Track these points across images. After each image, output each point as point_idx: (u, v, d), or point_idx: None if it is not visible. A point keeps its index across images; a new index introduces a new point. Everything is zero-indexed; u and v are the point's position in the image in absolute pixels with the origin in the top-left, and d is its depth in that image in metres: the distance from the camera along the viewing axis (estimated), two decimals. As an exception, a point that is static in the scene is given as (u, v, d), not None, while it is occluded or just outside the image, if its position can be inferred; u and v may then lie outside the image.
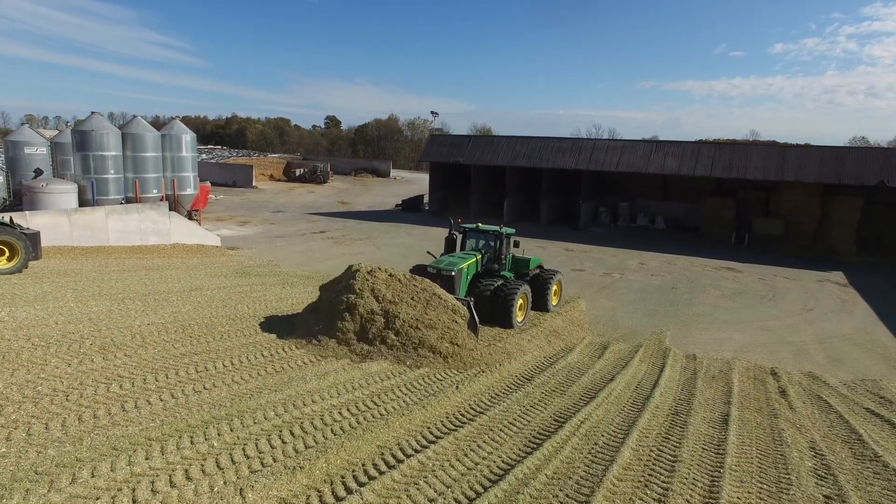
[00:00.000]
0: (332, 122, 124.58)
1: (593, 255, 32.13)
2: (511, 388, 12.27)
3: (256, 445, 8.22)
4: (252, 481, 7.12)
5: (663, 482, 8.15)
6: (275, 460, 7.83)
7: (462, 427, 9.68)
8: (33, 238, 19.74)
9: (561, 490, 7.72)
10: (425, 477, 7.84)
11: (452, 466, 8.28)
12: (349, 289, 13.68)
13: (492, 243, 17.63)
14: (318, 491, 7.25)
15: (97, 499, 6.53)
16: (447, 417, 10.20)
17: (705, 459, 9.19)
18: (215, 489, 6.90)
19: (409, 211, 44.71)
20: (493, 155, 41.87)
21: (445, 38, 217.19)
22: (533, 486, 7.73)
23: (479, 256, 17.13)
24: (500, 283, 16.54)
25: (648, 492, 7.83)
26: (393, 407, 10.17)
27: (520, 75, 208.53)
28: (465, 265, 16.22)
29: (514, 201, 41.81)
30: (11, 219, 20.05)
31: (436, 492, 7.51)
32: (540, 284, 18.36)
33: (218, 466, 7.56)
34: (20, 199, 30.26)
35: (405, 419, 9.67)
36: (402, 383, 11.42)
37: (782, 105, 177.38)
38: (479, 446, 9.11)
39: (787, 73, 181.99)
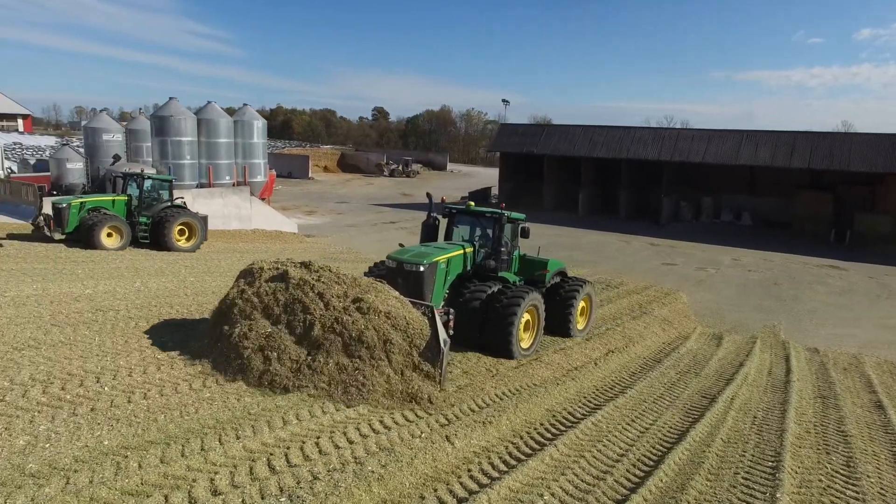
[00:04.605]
0: (380, 113, 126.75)
1: (681, 250, 32.34)
2: (644, 369, 13.00)
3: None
4: (454, 430, 7.99)
5: (843, 452, 8.74)
6: (457, 417, 8.69)
7: (617, 398, 10.45)
8: (204, 221, 22.34)
9: (744, 451, 8.39)
10: (605, 436, 8.66)
11: (626, 429, 9.09)
12: (236, 310, 10.03)
13: (489, 231, 13.04)
14: (513, 443, 8.09)
15: (322, 433, 7.47)
16: (597, 390, 11.00)
17: (875, 436, 9.69)
18: (423, 435, 7.78)
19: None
20: (568, 145, 42.33)
21: (494, 28, 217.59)
22: (714, 446, 8.47)
23: (470, 249, 12.53)
24: (497, 288, 12.05)
25: (833, 458, 8.41)
26: (547, 376, 11.01)
27: (577, 66, 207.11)
28: (441, 259, 11.58)
29: (590, 194, 42.17)
30: (185, 202, 22.17)
31: (622, 448, 8.29)
32: (560, 299, 13.64)
33: (406, 420, 8.44)
34: (100, 183, 32.38)
35: (562, 388, 10.48)
36: (543, 363, 12.19)
37: (869, 96, 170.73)
38: (640, 415, 9.87)
39: (875, 61, 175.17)
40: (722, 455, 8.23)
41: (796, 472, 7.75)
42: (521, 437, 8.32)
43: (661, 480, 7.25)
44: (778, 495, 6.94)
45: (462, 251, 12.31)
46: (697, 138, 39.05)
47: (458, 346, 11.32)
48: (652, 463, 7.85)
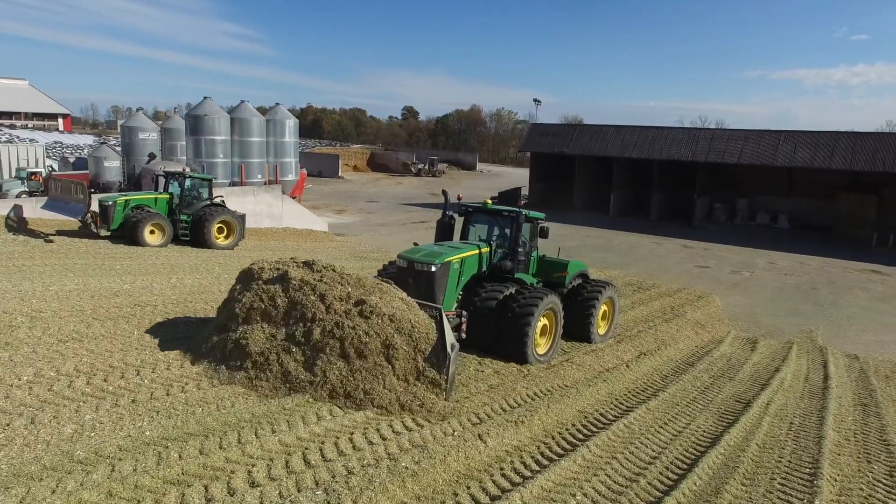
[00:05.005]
0: (410, 112, 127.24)
1: (714, 252, 31.87)
2: (677, 372, 12.89)
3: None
4: (486, 428, 8.07)
5: (886, 461, 8.58)
6: (489, 416, 8.75)
7: (649, 400, 10.41)
8: (242, 219, 22.85)
9: (780, 457, 8.29)
10: (638, 438, 8.65)
11: (658, 432, 9.06)
12: (235, 314, 9.72)
13: (507, 231, 12.53)
14: (545, 443, 8.14)
15: (356, 429, 7.62)
16: (628, 392, 10.96)
17: (920, 446, 9.47)
18: (456, 433, 7.86)
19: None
20: (600, 145, 42.01)
21: (524, 27, 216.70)
22: (750, 451, 8.40)
23: (486, 249, 12.08)
24: (513, 290, 11.61)
25: (875, 467, 8.26)
26: (578, 378, 11.00)
27: (608, 65, 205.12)
28: (455, 258, 11.15)
29: (622, 195, 41.81)
30: (223, 201, 22.69)
31: (654, 451, 8.28)
32: (580, 302, 13.09)
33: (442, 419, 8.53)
34: (136, 181, 33.23)
35: (593, 389, 10.47)
36: (574, 364, 12.19)
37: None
38: (673, 418, 9.82)
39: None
40: (757, 460, 8.16)
41: (836, 480, 7.65)
42: (553, 438, 8.37)
43: (696, 484, 7.23)
44: (816, 503, 6.86)
45: (477, 251, 11.84)
46: (733, 138, 38.37)
47: (475, 349, 11.21)
48: (685, 466, 7.82)
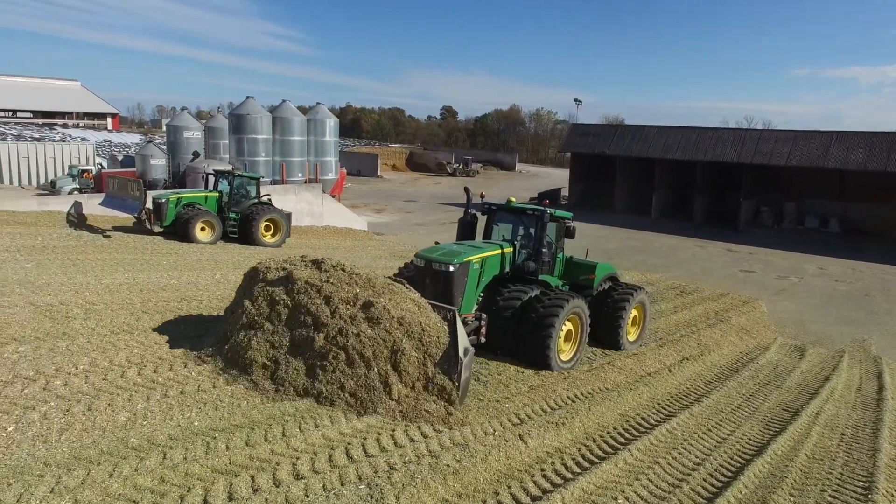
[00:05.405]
0: (449, 112, 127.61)
1: (760, 257, 31.13)
2: (721, 378, 12.68)
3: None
4: (527, 429, 8.09)
5: (946, 476, 8.27)
6: (529, 417, 8.76)
7: (693, 406, 10.27)
8: (288, 218, 23.45)
9: (832, 469, 8.10)
10: (681, 444, 8.56)
11: (702, 438, 8.95)
12: (240, 317, 9.43)
13: (531, 230, 12.08)
14: (586, 445, 8.12)
15: (397, 426, 7.73)
16: (671, 397, 10.83)
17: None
18: (496, 433, 7.91)
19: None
20: (642, 146, 41.44)
21: (560, 27, 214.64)
22: (798, 461, 8.23)
23: (509, 249, 11.64)
24: (536, 292, 11.24)
25: (933, 482, 7.99)
26: (619, 381, 10.93)
27: (650, 64, 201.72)
28: (475, 258, 10.74)
29: (663, 197, 41.18)
30: (270, 199, 23.37)
31: (698, 457, 8.17)
32: (609, 306, 12.60)
33: (479, 417, 8.59)
34: (181, 179, 34.17)
35: (635, 393, 10.39)
36: (616, 367, 12.11)
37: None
38: (717, 424, 9.68)
39: None
40: (806, 471, 7.99)
41: (893, 496, 7.42)
42: (594, 441, 8.34)
43: (741, 492, 7.12)
44: (870, 516, 6.69)
45: (499, 251, 11.37)
46: (781, 139, 37.36)
47: (494, 354, 10.96)
48: (730, 474, 7.71)
